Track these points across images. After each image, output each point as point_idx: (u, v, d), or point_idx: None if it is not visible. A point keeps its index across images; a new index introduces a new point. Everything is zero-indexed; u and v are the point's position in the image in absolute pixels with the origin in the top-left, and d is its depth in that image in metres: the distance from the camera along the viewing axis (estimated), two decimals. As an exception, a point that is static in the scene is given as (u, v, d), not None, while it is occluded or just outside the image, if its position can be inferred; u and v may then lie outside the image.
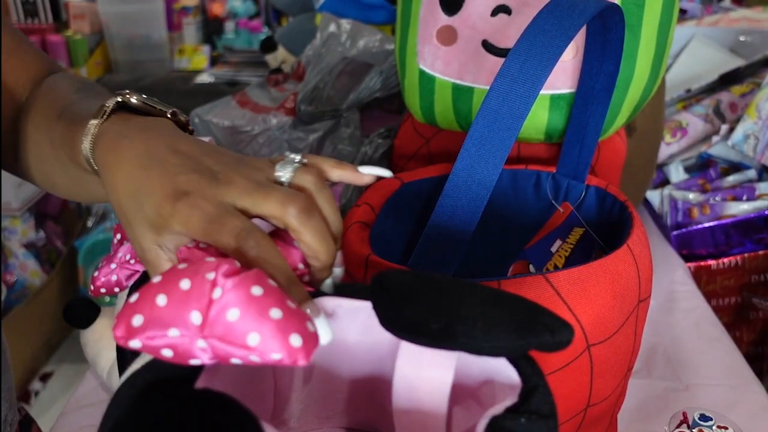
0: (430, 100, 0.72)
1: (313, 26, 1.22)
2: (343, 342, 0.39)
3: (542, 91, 0.67)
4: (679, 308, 0.89)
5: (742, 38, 1.42)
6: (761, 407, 0.72)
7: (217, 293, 0.31)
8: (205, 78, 2.55)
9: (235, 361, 0.31)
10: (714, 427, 0.59)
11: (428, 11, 0.70)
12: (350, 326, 0.38)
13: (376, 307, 0.33)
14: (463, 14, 0.68)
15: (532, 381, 0.33)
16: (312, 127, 0.97)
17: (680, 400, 0.73)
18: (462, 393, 0.37)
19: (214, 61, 2.67)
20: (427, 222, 0.49)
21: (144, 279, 0.63)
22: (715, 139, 1.20)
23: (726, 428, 0.59)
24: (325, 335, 0.33)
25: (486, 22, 0.67)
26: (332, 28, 1.08)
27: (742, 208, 1.08)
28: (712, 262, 1.08)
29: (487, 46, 0.67)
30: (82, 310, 0.72)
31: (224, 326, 0.30)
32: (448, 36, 0.69)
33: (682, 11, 1.70)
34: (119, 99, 0.47)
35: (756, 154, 1.13)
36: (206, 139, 0.70)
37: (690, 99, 1.31)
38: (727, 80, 1.31)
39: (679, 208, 1.13)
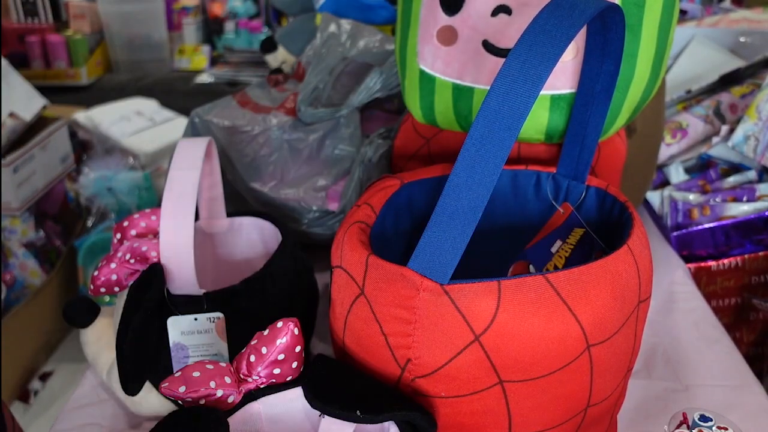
0: (431, 100, 0.72)
1: (313, 26, 1.22)
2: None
3: (543, 92, 0.67)
4: (679, 309, 0.89)
5: (742, 39, 1.42)
6: (761, 408, 0.72)
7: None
8: (205, 78, 2.55)
9: None
10: (714, 428, 0.59)
11: (428, 11, 0.70)
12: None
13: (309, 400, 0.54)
14: (463, 14, 0.68)
15: None
16: (312, 127, 0.97)
17: (680, 401, 0.73)
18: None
19: (214, 61, 2.67)
20: (427, 222, 0.49)
21: (146, 278, 0.63)
22: (715, 140, 1.20)
23: (726, 429, 0.59)
24: None
25: (486, 22, 0.67)
26: (332, 28, 1.08)
27: (742, 209, 1.08)
28: (712, 263, 1.08)
29: (488, 47, 0.67)
30: (82, 310, 0.72)
31: None
32: (448, 36, 0.69)
33: (682, 12, 1.70)
34: None
35: (756, 155, 1.13)
36: (206, 139, 0.71)
37: (690, 100, 1.31)
38: (727, 81, 1.31)
39: (679, 209, 1.13)
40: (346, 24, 1.08)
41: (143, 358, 0.63)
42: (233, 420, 0.54)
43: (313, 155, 0.97)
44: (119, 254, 0.67)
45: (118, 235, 0.72)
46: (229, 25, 2.68)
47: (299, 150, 0.97)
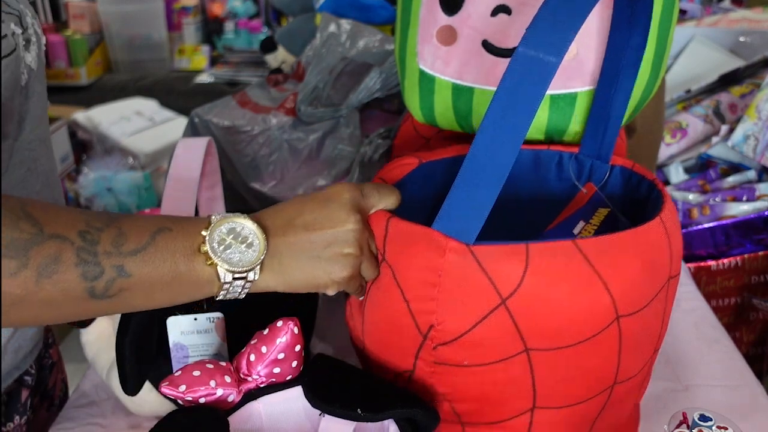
0: (430, 100, 0.72)
1: (313, 26, 1.22)
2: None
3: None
4: (679, 309, 0.89)
5: (741, 39, 1.42)
6: (761, 408, 0.72)
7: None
8: (204, 78, 2.55)
9: None
10: (714, 428, 0.59)
11: (428, 11, 0.70)
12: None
13: (309, 399, 0.55)
14: (463, 14, 0.68)
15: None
16: (312, 127, 0.97)
17: (680, 401, 0.73)
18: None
19: (213, 61, 2.67)
20: (442, 203, 0.49)
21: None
22: (714, 139, 1.20)
23: (726, 428, 0.59)
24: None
25: (486, 22, 0.67)
26: (332, 28, 1.08)
27: (742, 209, 1.08)
28: (712, 263, 1.08)
29: (488, 46, 0.67)
30: None
31: None
32: (448, 36, 0.69)
33: (682, 12, 1.70)
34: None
35: (756, 155, 1.13)
36: (206, 139, 0.71)
37: (690, 100, 1.31)
38: (726, 81, 1.31)
39: (679, 209, 1.13)
40: (345, 24, 1.08)
41: (143, 358, 0.63)
42: (233, 419, 0.54)
43: (312, 155, 0.97)
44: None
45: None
46: (229, 25, 2.67)
47: (299, 150, 0.97)
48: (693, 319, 0.87)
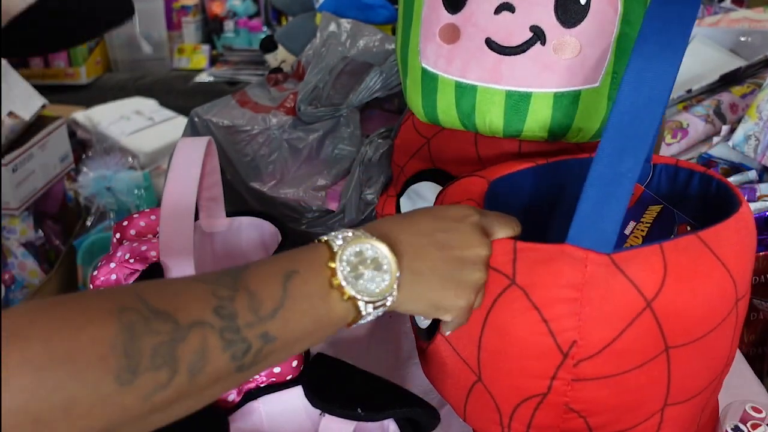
0: (433, 98, 0.72)
1: (313, 26, 1.21)
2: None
3: (544, 90, 0.67)
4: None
5: (742, 39, 1.42)
6: (761, 408, 0.71)
7: None
8: (204, 77, 2.54)
9: None
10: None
11: (431, 9, 0.70)
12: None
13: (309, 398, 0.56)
14: (466, 12, 0.68)
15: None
16: (312, 126, 0.96)
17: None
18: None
19: (213, 61, 2.67)
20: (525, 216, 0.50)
21: (143, 277, 0.63)
22: (715, 139, 1.20)
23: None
24: None
25: (489, 19, 0.66)
26: (332, 27, 1.08)
27: (742, 209, 1.08)
28: (712, 263, 1.08)
29: (491, 44, 0.67)
30: None
31: None
32: (451, 34, 0.69)
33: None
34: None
35: (757, 155, 1.13)
36: (206, 138, 0.70)
37: (690, 99, 1.31)
38: (727, 81, 1.31)
39: (679, 209, 1.13)
40: (346, 23, 1.08)
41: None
42: (233, 419, 0.54)
43: (312, 155, 0.97)
44: (119, 254, 0.67)
45: (118, 235, 0.72)
46: (229, 25, 2.67)
47: (299, 149, 0.97)
48: (694, 319, 0.87)
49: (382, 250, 0.45)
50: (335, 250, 0.44)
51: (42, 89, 1.57)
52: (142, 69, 2.63)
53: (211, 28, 2.76)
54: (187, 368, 0.38)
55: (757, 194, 1.10)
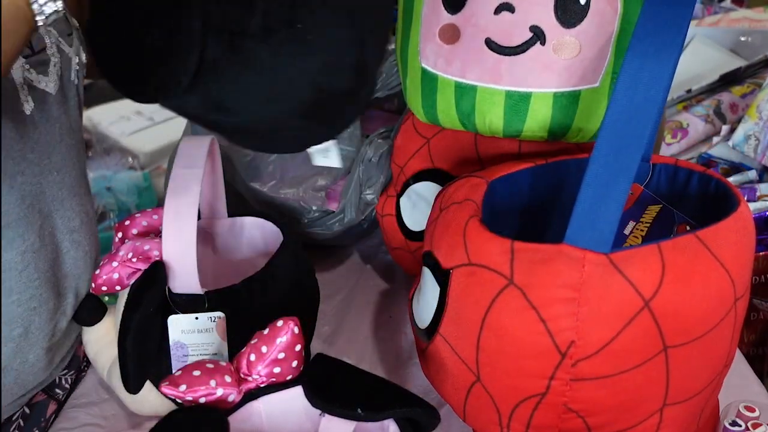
0: (433, 99, 0.72)
1: (313, 25, 1.21)
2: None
3: (544, 90, 0.67)
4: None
5: (742, 38, 1.42)
6: (762, 408, 0.72)
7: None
8: (204, 77, 2.54)
9: None
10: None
11: (431, 10, 0.70)
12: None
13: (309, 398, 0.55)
14: (466, 12, 0.68)
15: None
16: (312, 126, 0.96)
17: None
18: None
19: (213, 61, 2.66)
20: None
21: (148, 276, 0.63)
22: (715, 139, 1.20)
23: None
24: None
25: (489, 20, 0.67)
26: (333, 27, 1.08)
27: (742, 209, 1.08)
28: (712, 263, 1.08)
29: (491, 45, 0.67)
30: (91, 308, 0.71)
31: None
32: (451, 34, 0.69)
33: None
34: None
35: (757, 155, 1.13)
36: (209, 137, 0.70)
37: (690, 99, 1.31)
38: (727, 81, 1.31)
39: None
40: (346, 23, 1.07)
41: (144, 356, 0.63)
42: (234, 419, 0.54)
43: (313, 155, 0.97)
44: (121, 253, 0.67)
45: (120, 234, 0.72)
46: (229, 25, 2.67)
47: (299, 149, 0.97)
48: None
49: None
50: None
51: (42, 89, 1.57)
52: (143, 69, 2.63)
53: (211, 28, 2.75)
54: None
55: (757, 194, 1.10)
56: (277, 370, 0.55)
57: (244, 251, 0.82)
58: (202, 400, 0.53)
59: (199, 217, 0.76)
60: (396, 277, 0.96)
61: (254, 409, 0.57)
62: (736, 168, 1.19)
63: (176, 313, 0.64)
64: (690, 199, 0.66)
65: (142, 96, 0.48)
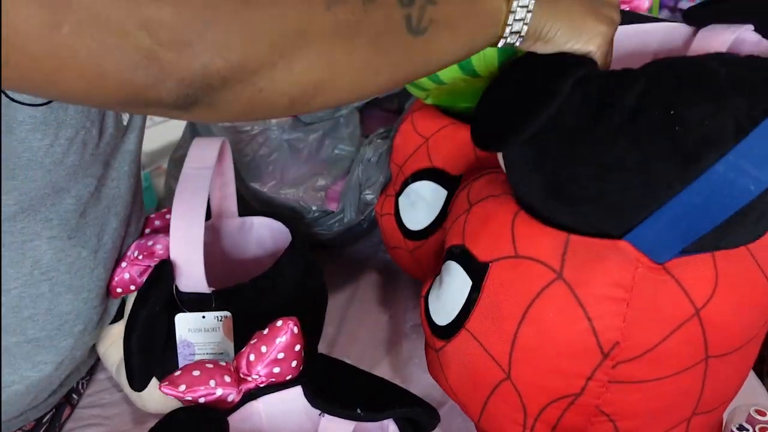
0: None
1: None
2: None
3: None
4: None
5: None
6: (762, 408, 0.72)
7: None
8: (204, 78, 2.54)
9: None
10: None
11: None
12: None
13: (309, 398, 0.56)
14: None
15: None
16: (312, 126, 0.96)
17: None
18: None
19: (213, 61, 2.67)
20: None
21: (155, 274, 0.63)
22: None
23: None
24: None
25: None
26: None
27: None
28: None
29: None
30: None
31: None
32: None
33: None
34: None
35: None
36: (220, 138, 0.71)
37: None
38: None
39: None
40: (345, 23, 1.08)
41: (150, 354, 0.63)
42: (233, 419, 0.54)
43: (312, 155, 0.97)
44: (127, 253, 0.68)
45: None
46: (229, 25, 2.67)
47: (299, 150, 0.97)
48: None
49: None
50: None
51: (42, 90, 1.57)
52: (143, 69, 2.63)
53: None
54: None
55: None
56: (276, 370, 0.55)
57: (252, 251, 0.83)
58: (202, 400, 0.53)
59: (208, 217, 0.77)
60: (396, 277, 0.96)
61: (254, 409, 0.57)
62: None
63: (183, 311, 0.64)
64: None
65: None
